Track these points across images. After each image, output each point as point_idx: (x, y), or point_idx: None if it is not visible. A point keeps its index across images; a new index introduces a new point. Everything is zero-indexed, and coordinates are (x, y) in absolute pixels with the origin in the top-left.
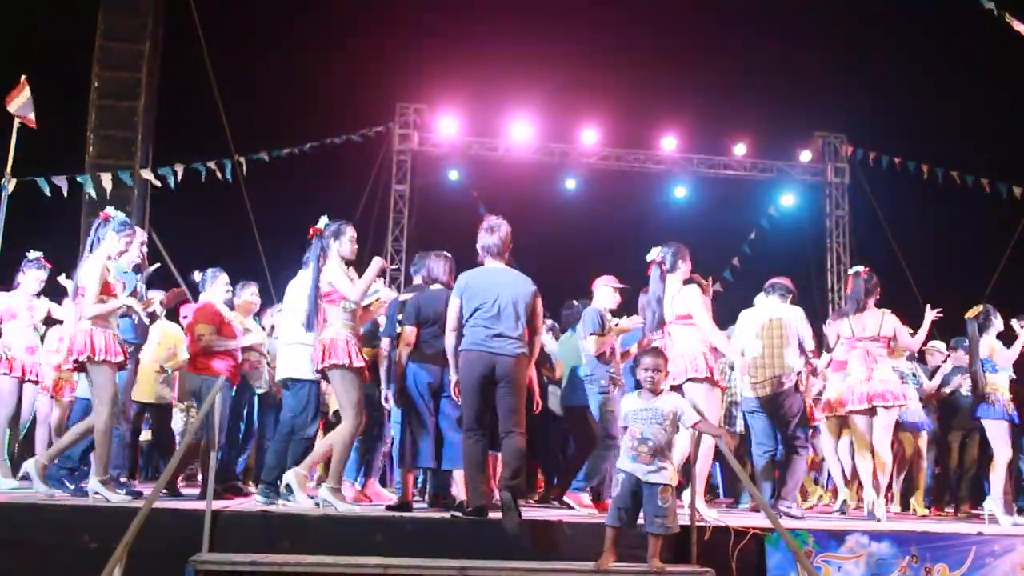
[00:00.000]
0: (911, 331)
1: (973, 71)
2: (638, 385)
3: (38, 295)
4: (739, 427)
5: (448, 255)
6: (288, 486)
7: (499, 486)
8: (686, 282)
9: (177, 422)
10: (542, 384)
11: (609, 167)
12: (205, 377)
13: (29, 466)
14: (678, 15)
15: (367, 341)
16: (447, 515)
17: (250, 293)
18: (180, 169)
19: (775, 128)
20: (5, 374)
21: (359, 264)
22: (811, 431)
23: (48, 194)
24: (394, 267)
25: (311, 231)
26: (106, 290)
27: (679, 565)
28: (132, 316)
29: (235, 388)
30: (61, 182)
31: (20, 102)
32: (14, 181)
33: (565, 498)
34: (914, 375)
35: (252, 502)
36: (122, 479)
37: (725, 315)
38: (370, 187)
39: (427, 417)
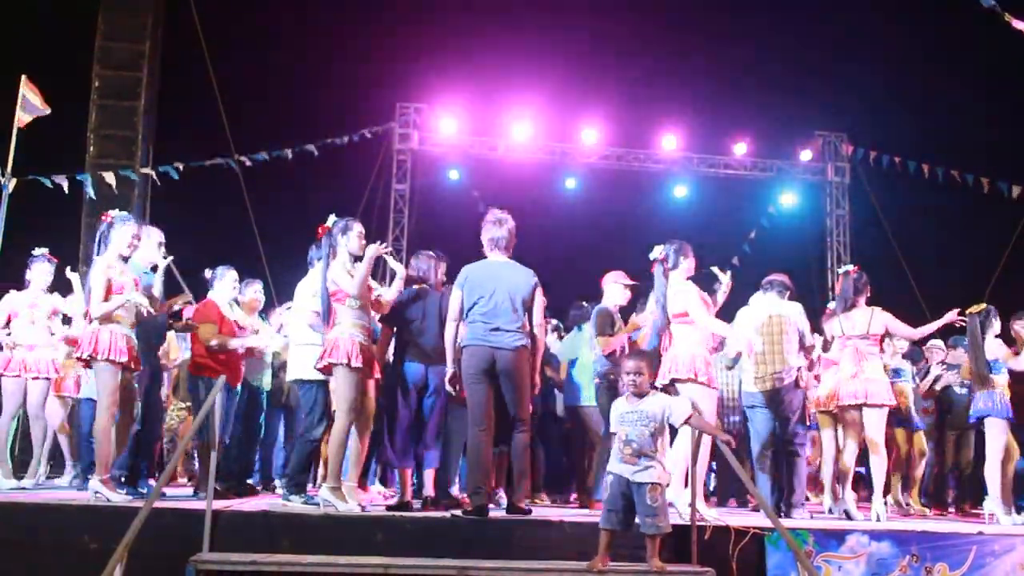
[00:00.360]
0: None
1: (974, 70)
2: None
3: (50, 290)
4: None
5: (432, 254)
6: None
7: (501, 485)
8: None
9: (171, 420)
10: (546, 384)
11: (609, 166)
12: (203, 378)
13: (95, 485)
14: (678, 14)
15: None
16: (447, 515)
17: (254, 291)
18: (180, 168)
19: (775, 127)
20: (9, 374)
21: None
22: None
23: (49, 192)
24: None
25: (320, 230)
26: (112, 289)
27: (679, 564)
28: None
29: (240, 388)
30: (61, 181)
31: (33, 103)
32: (15, 180)
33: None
34: (914, 376)
35: (253, 502)
36: (122, 479)
37: (726, 315)
38: (370, 186)
39: (408, 417)
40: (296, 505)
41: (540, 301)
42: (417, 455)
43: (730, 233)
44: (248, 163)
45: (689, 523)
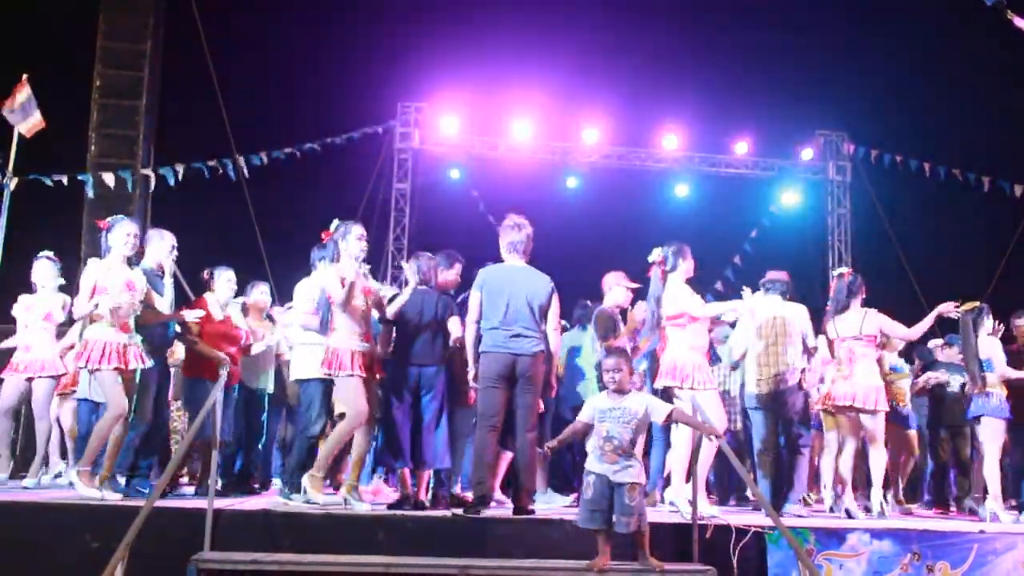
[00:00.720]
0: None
1: (975, 69)
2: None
3: (60, 289)
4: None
5: (430, 255)
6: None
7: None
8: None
9: (174, 421)
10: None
11: (610, 165)
12: (195, 380)
13: (71, 476)
14: (679, 13)
15: None
16: (448, 514)
17: (260, 292)
18: (181, 168)
19: (776, 126)
20: (8, 371)
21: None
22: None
23: (50, 192)
24: (396, 265)
25: (324, 235)
26: (96, 290)
27: (680, 563)
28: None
29: (237, 389)
30: (63, 181)
31: (20, 101)
32: (16, 180)
33: None
34: (912, 374)
35: (253, 501)
36: (119, 478)
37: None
38: (371, 185)
39: (406, 416)
40: (296, 504)
41: (556, 307)
42: (416, 455)
43: (731, 232)
44: (248, 164)
45: (690, 522)
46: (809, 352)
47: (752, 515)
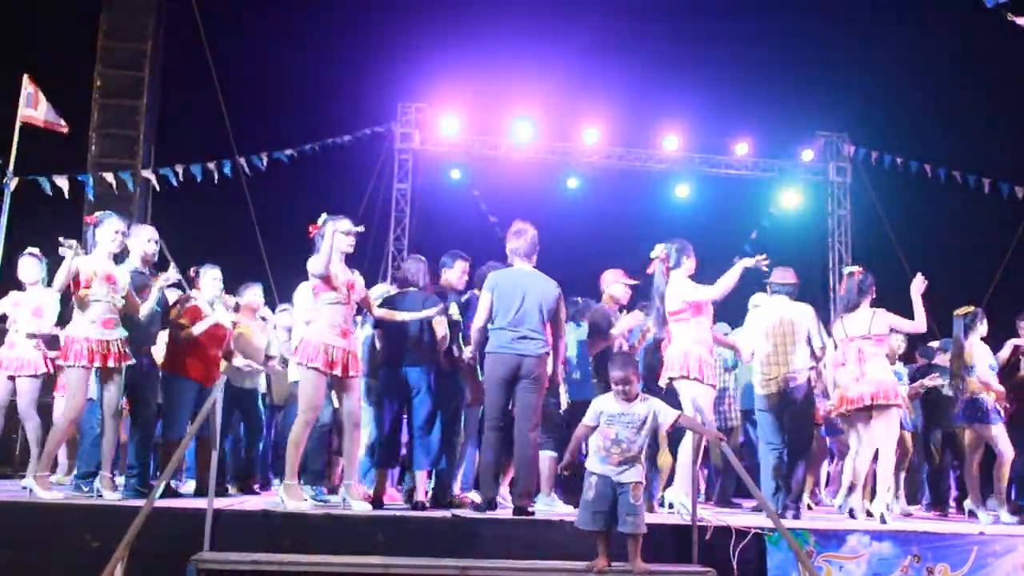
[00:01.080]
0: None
1: (975, 70)
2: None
3: (47, 284)
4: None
5: (419, 257)
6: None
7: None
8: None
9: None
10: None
11: (611, 166)
12: (172, 376)
13: (27, 482)
14: (679, 14)
15: None
16: (448, 514)
17: (253, 293)
18: (181, 169)
19: (777, 127)
20: None
21: (361, 263)
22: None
23: (50, 193)
24: (396, 266)
25: (311, 228)
26: (80, 281)
27: (680, 564)
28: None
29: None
30: (63, 181)
31: (43, 108)
32: (16, 180)
33: None
34: (908, 377)
35: (253, 501)
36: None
37: (728, 314)
38: (372, 186)
39: (397, 417)
40: (297, 504)
41: (563, 310)
42: (409, 456)
43: (731, 233)
44: (249, 164)
45: (690, 523)
46: (815, 353)
47: (752, 516)
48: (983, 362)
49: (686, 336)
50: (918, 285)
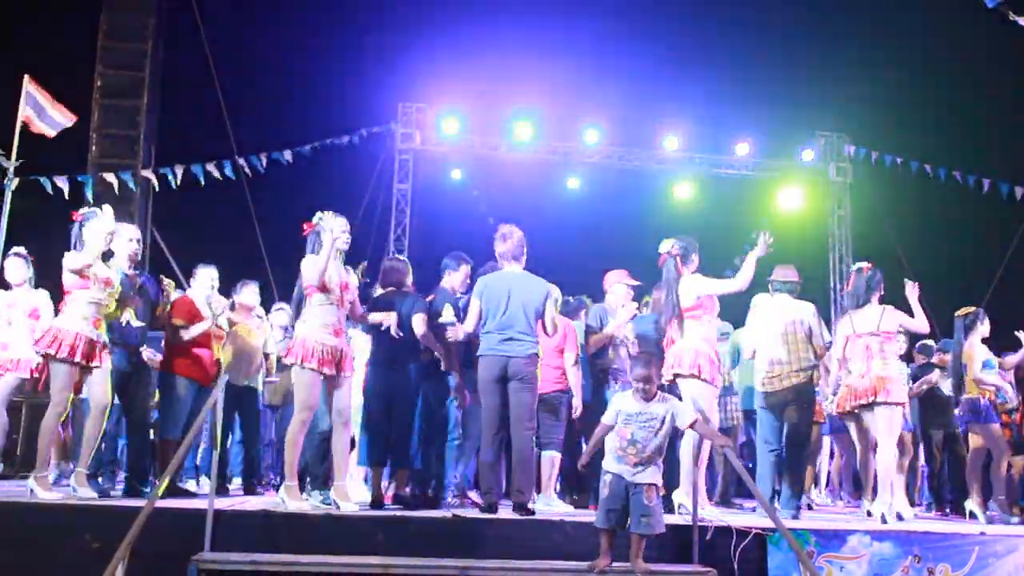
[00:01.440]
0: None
1: (975, 71)
2: None
3: (36, 287)
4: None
5: (401, 258)
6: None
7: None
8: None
9: None
10: None
11: (611, 166)
12: (166, 375)
13: (29, 483)
14: (680, 14)
15: None
16: (448, 514)
17: (250, 292)
18: (181, 169)
19: (777, 127)
20: None
21: (359, 260)
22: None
23: (50, 193)
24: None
25: (306, 227)
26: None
27: (681, 565)
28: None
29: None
30: (63, 181)
31: (56, 113)
32: (17, 180)
33: None
34: (908, 378)
35: (254, 501)
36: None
37: (729, 314)
38: (372, 186)
39: (383, 417)
40: (297, 504)
41: (552, 311)
42: (392, 455)
43: (732, 233)
44: (249, 164)
45: (691, 523)
46: (817, 351)
47: (753, 516)
48: (983, 362)
49: (696, 334)
50: (911, 291)
